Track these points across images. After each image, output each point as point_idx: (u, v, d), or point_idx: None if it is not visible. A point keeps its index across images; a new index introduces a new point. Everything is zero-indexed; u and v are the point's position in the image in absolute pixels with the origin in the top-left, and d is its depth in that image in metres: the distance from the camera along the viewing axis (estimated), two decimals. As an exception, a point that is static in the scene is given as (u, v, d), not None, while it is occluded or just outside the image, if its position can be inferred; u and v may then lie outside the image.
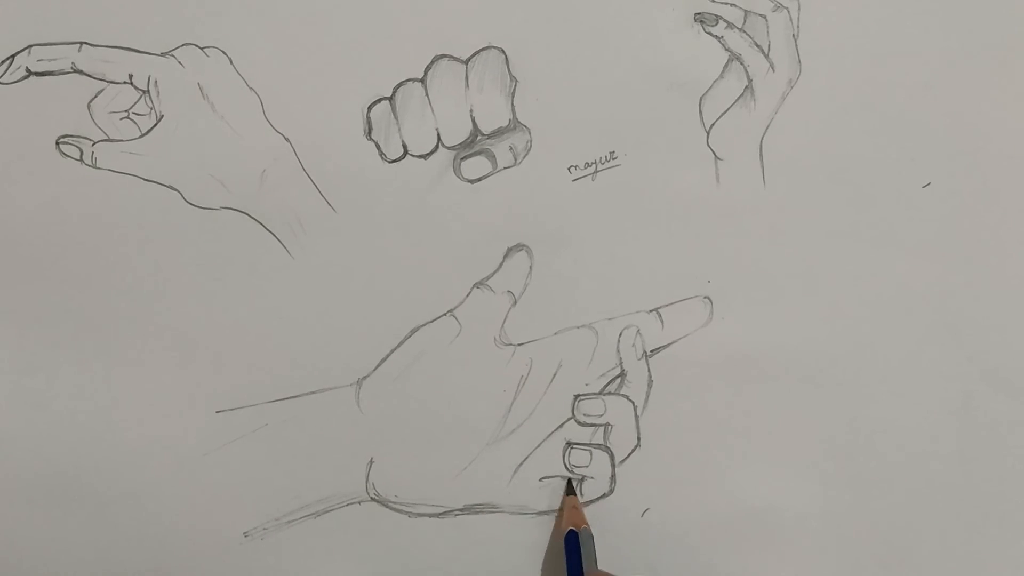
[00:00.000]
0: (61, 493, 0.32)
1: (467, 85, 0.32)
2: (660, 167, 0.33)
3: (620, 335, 0.34)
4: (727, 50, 0.33)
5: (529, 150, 0.33)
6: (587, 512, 0.34)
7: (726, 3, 0.33)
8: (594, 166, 0.33)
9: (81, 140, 0.31)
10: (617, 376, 0.34)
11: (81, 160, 0.31)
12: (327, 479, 0.33)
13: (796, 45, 0.33)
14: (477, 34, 0.32)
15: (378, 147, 0.32)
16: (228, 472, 0.33)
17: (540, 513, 0.34)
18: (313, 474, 0.33)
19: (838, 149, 0.34)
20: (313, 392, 0.33)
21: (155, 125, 0.31)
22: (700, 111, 0.33)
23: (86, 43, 0.30)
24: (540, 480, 0.34)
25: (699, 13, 0.33)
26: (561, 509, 0.34)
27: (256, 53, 0.31)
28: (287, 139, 0.31)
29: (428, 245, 0.33)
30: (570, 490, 0.34)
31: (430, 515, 0.34)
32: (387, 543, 0.34)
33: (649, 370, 0.34)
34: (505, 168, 0.33)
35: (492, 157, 0.32)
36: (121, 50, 0.30)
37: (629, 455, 0.34)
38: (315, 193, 0.32)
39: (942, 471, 0.35)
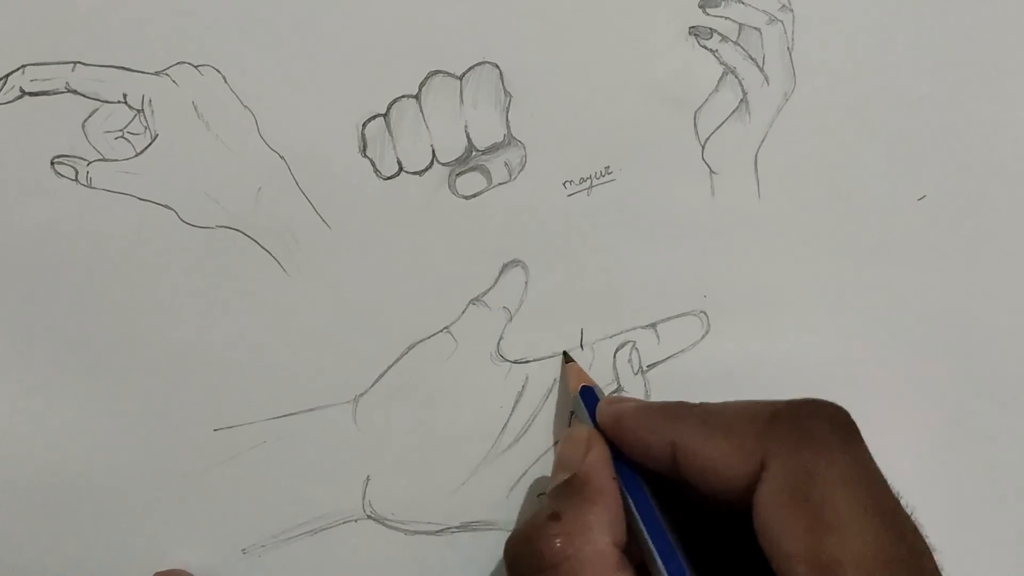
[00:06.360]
0: (57, 510, 0.32)
1: (461, 101, 0.32)
2: (655, 181, 0.33)
3: (616, 350, 0.34)
4: (722, 63, 0.33)
5: (524, 166, 0.33)
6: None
7: (720, 16, 0.33)
8: (589, 181, 0.33)
9: (76, 160, 0.30)
10: (614, 392, 0.34)
11: (76, 180, 0.31)
12: (324, 497, 0.33)
13: (791, 58, 0.33)
14: (471, 49, 0.31)
15: (373, 164, 0.32)
16: (226, 489, 0.33)
17: (537, 529, 0.34)
18: (310, 491, 0.33)
19: (833, 162, 0.34)
20: (310, 409, 0.33)
21: (150, 144, 0.31)
22: (695, 125, 0.33)
23: (80, 63, 0.30)
24: (538, 496, 0.34)
25: (693, 26, 0.33)
26: (563, 378, 0.33)
27: (250, 71, 0.31)
28: (282, 157, 0.31)
29: (424, 262, 0.32)
30: (568, 358, 0.33)
31: (427, 532, 0.34)
32: (384, 561, 0.34)
33: (646, 385, 0.34)
34: (500, 184, 0.33)
35: (487, 173, 0.32)
36: (115, 69, 0.30)
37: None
38: (310, 210, 0.32)
39: (936, 484, 0.35)
